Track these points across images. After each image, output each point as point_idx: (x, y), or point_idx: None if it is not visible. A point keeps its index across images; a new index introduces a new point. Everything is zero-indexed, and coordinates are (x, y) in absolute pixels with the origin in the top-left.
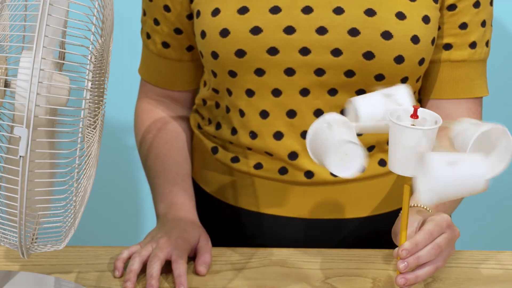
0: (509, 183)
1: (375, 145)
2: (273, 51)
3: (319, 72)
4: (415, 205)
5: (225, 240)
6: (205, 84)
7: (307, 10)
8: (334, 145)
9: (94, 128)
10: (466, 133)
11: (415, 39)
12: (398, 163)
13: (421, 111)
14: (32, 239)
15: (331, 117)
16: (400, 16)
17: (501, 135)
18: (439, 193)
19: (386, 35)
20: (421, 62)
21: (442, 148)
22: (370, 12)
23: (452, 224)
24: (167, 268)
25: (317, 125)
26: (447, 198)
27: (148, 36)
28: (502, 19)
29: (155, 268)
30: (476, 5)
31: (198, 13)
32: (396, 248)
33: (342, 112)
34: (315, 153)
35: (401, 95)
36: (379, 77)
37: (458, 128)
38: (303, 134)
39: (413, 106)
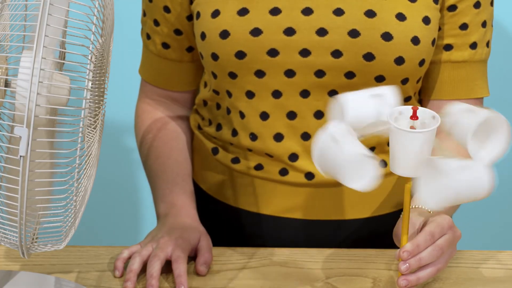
0: (509, 183)
1: (376, 146)
2: (273, 52)
3: (319, 73)
4: (416, 206)
5: (225, 240)
6: (205, 85)
7: (307, 11)
8: (349, 161)
9: (94, 128)
10: (463, 124)
11: (415, 40)
12: (399, 165)
13: (420, 111)
14: (33, 239)
15: (333, 129)
16: (400, 17)
17: (497, 121)
18: (445, 198)
19: (386, 36)
20: (422, 63)
21: (443, 147)
22: (370, 14)
23: (453, 225)
24: (167, 268)
25: (322, 141)
26: (451, 203)
27: (148, 36)
28: (502, 20)
29: (155, 268)
30: (477, 5)
31: (198, 14)
32: (398, 250)
33: None
34: (325, 169)
35: (390, 96)
36: (380, 78)
37: (451, 119)
38: (304, 136)
39: (412, 108)
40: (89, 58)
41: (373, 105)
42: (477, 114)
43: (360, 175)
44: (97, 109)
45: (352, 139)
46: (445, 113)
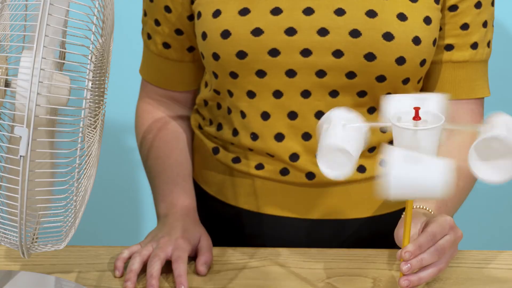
0: (509, 183)
1: (377, 146)
2: (274, 52)
3: (320, 73)
4: (418, 206)
5: (226, 240)
6: (206, 85)
7: (308, 11)
8: (324, 148)
9: (94, 128)
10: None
11: (416, 40)
12: None
13: (423, 111)
14: (33, 239)
15: (336, 114)
16: (401, 17)
17: (507, 149)
18: (394, 189)
19: (387, 36)
20: (423, 63)
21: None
22: (371, 14)
23: (455, 225)
24: (167, 268)
25: (321, 122)
26: (402, 196)
27: (149, 36)
28: (502, 20)
29: (155, 268)
30: (478, 5)
31: (199, 14)
32: (399, 250)
33: None
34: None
35: (432, 103)
36: (381, 79)
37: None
38: (304, 136)
39: (414, 108)
40: (89, 58)
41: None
42: (490, 129)
43: (334, 165)
44: (97, 109)
45: (343, 128)
46: (486, 121)
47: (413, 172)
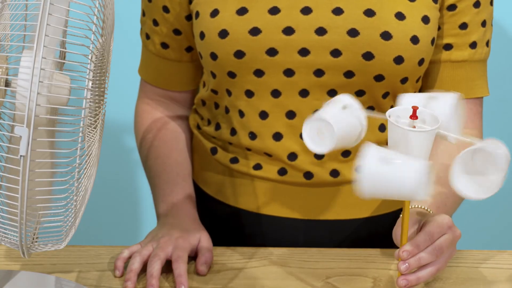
0: (509, 183)
1: None
2: (272, 52)
3: (319, 72)
4: (416, 206)
5: (225, 240)
6: (204, 85)
7: (306, 10)
8: (311, 120)
9: (94, 128)
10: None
11: (414, 40)
12: None
13: (420, 111)
14: (33, 239)
15: (341, 97)
16: (400, 16)
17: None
18: (368, 187)
19: (386, 36)
20: (421, 62)
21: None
22: (369, 13)
23: (453, 225)
24: (167, 267)
25: (336, 100)
26: (377, 194)
27: (148, 36)
28: (502, 20)
29: (155, 268)
30: (476, 5)
31: (197, 14)
32: (397, 250)
33: None
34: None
35: (443, 102)
36: (379, 78)
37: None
38: None
39: (412, 107)
40: (90, 57)
41: (423, 105)
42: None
43: (319, 139)
44: (97, 108)
45: (335, 110)
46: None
47: (385, 172)
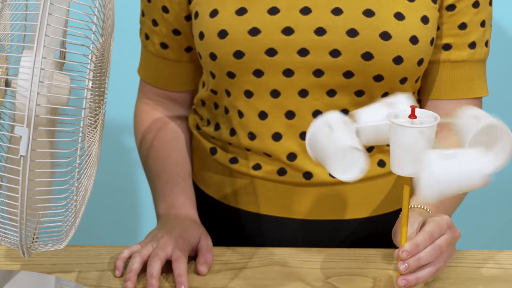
0: (509, 183)
1: (374, 146)
2: (271, 52)
3: (318, 73)
4: (415, 206)
5: (225, 240)
6: (203, 85)
7: (306, 10)
8: (336, 151)
9: (94, 128)
10: (467, 128)
11: (414, 40)
12: (398, 163)
13: (419, 111)
14: (33, 239)
15: (332, 117)
16: (399, 16)
17: (501, 131)
18: (439, 189)
19: (385, 36)
20: (420, 62)
21: (442, 146)
22: (368, 13)
23: (452, 225)
24: (167, 267)
25: (318, 126)
26: (448, 193)
27: (147, 36)
28: (501, 20)
29: (155, 268)
30: (476, 5)
31: (197, 14)
32: (397, 249)
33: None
34: (315, 154)
35: (402, 103)
36: (378, 78)
37: (460, 122)
38: (302, 135)
39: (411, 106)
40: (90, 57)
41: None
42: (480, 121)
43: (346, 167)
44: (97, 108)
45: (345, 130)
46: (456, 117)
47: (454, 166)
